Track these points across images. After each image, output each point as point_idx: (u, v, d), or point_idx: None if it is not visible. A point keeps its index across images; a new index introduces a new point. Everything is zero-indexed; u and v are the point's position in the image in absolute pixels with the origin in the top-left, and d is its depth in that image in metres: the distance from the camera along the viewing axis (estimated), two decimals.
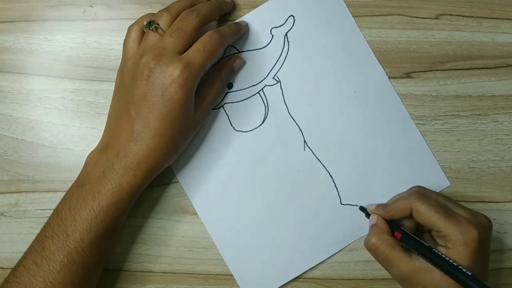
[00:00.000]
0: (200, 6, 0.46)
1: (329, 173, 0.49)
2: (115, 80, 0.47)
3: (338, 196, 0.49)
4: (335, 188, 0.49)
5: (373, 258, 0.49)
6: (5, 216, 0.50)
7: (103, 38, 0.51)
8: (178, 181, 0.50)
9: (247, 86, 0.50)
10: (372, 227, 0.44)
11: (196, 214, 0.50)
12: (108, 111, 0.47)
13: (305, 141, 0.50)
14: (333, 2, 0.50)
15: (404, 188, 0.47)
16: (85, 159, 0.45)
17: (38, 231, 0.44)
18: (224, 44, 0.46)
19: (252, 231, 0.49)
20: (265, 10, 0.50)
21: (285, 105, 0.50)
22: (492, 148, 0.50)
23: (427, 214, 0.41)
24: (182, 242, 0.50)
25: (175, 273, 0.50)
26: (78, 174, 0.45)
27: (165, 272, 0.50)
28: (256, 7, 0.50)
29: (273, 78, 0.50)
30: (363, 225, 0.49)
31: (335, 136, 0.50)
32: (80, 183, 0.44)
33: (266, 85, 0.50)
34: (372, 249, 0.43)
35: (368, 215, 0.46)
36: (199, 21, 0.45)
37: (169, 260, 0.50)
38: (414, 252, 0.42)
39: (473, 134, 0.50)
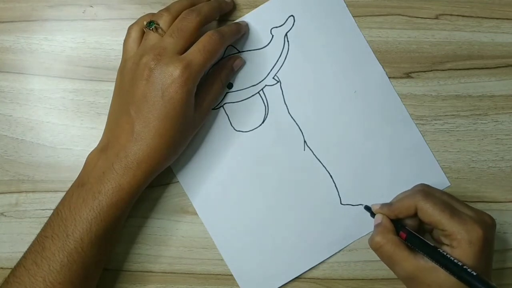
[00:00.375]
0: (200, 6, 0.46)
1: (329, 173, 0.49)
2: (115, 80, 0.47)
3: (338, 196, 0.49)
4: (335, 188, 0.49)
5: (373, 258, 0.49)
6: (5, 216, 0.50)
7: (103, 38, 0.51)
8: (178, 181, 0.50)
9: (247, 86, 0.50)
10: (377, 226, 0.44)
11: (196, 214, 0.50)
12: (108, 111, 0.47)
13: (305, 141, 0.50)
14: (333, 2, 0.50)
15: (404, 188, 0.47)
16: (85, 159, 0.45)
17: (38, 231, 0.44)
18: (224, 44, 0.46)
19: (252, 231, 0.49)
20: (265, 10, 0.50)
21: (285, 105, 0.50)
22: (492, 148, 0.50)
23: (432, 213, 0.41)
24: (182, 242, 0.50)
25: (175, 273, 0.50)
26: (78, 174, 0.45)
27: (165, 272, 0.50)
28: (256, 7, 0.50)
29: (273, 78, 0.50)
30: (363, 225, 0.49)
31: (335, 136, 0.50)
32: (80, 183, 0.44)
33: (266, 85, 0.50)
34: (376, 248, 0.43)
35: (373, 214, 0.46)
36: (199, 21, 0.45)
37: (169, 260, 0.50)
38: (419, 252, 0.42)
39: (473, 134, 0.50)
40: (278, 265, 0.49)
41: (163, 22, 0.45)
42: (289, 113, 0.50)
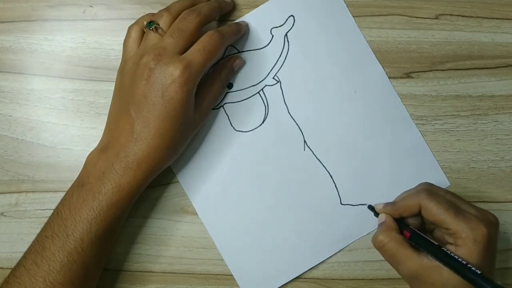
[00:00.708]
0: (200, 6, 0.46)
1: (329, 173, 0.49)
2: (115, 80, 0.47)
3: (338, 196, 0.49)
4: (335, 188, 0.49)
5: (373, 258, 0.49)
6: (5, 216, 0.50)
7: (103, 38, 0.51)
8: (178, 181, 0.50)
9: (247, 86, 0.50)
10: (380, 225, 0.44)
11: (196, 214, 0.50)
12: (108, 111, 0.47)
13: (305, 141, 0.50)
14: (333, 2, 0.50)
15: (404, 187, 0.47)
16: (85, 159, 0.45)
17: (38, 231, 0.44)
18: (225, 44, 0.46)
19: (252, 231, 0.49)
20: (265, 10, 0.50)
21: (285, 105, 0.50)
22: (492, 148, 0.50)
23: (436, 212, 0.41)
24: (182, 242, 0.50)
25: (175, 273, 0.50)
26: (78, 174, 0.45)
27: (165, 272, 0.50)
28: (256, 7, 0.50)
29: (273, 78, 0.50)
30: (363, 225, 0.49)
31: (335, 136, 0.50)
32: (80, 183, 0.44)
33: (266, 85, 0.50)
34: (379, 246, 0.43)
35: (376, 214, 0.46)
36: (199, 21, 0.45)
37: (169, 260, 0.50)
38: (423, 251, 0.42)
39: (473, 134, 0.50)
40: (278, 265, 0.49)
41: (163, 22, 0.45)
42: (289, 113, 0.50)
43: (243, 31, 0.49)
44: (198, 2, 0.47)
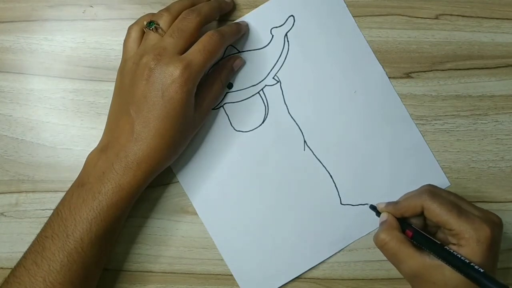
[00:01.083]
0: (200, 6, 0.46)
1: (329, 173, 0.49)
2: (115, 80, 0.47)
3: (338, 196, 0.49)
4: (335, 188, 0.49)
5: (373, 258, 0.49)
6: (5, 216, 0.50)
7: (103, 38, 0.51)
8: (178, 181, 0.50)
9: (247, 86, 0.50)
10: (382, 223, 0.44)
11: (196, 214, 0.50)
12: (108, 111, 0.47)
13: (305, 141, 0.50)
14: (333, 2, 0.50)
15: (404, 188, 0.47)
16: (85, 159, 0.45)
17: (38, 231, 0.44)
18: (225, 44, 0.46)
19: (252, 231, 0.49)
20: (265, 10, 0.50)
21: (285, 105, 0.50)
22: (492, 148, 0.50)
23: (439, 213, 0.41)
24: (182, 242, 0.50)
25: (175, 273, 0.50)
26: (78, 174, 0.45)
27: (165, 272, 0.50)
28: (256, 7, 0.50)
29: (273, 78, 0.50)
30: (363, 225, 0.49)
31: (335, 136, 0.50)
32: (80, 183, 0.44)
33: (266, 85, 0.50)
34: (381, 245, 0.43)
35: (378, 213, 0.45)
36: (199, 21, 0.45)
37: (169, 260, 0.50)
38: (425, 250, 0.41)
39: (473, 134, 0.50)
40: (278, 265, 0.49)
41: (163, 22, 0.45)
42: (289, 113, 0.50)
43: (243, 31, 0.49)
44: (198, 2, 0.47)
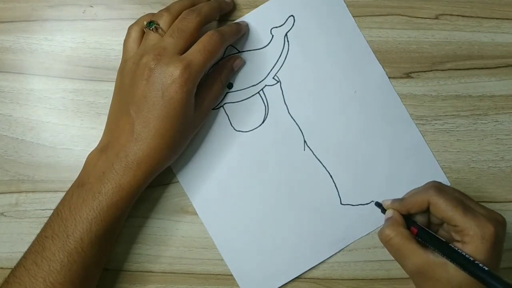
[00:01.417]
0: (200, 6, 0.46)
1: (329, 173, 0.49)
2: (115, 80, 0.47)
3: (338, 196, 0.49)
4: (335, 188, 0.49)
5: (373, 258, 0.49)
6: (5, 216, 0.50)
7: (103, 38, 0.51)
8: (178, 181, 0.50)
9: (247, 86, 0.50)
10: (387, 220, 0.44)
11: (196, 214, 0.50)
12: (108, 111, 0.47)
13: (305, 141, 0.50)
14: (333, 2, 0.50)
15: (404, 188, 0.47)
16: (85, 159, 0.45)
17: (38, 231, 0.44)
18: (225, 44, 0.46)
19: (252, 231, 0.49)
20: (265, 10, 0.50)
21: (285, 105, 0.50)
22: (492, 148, 0.50)
23: (445, 208, 0.41)
24: (182, 242, 0.50)
25: (175, 273, 0.50)
26: (78, 174, 0.45)
27: (165, 272, 0.50)
28: (256, 7, 0.50)
29: (273, 78, 0.50)
30: (363, 225, 0.49)
31: (335, 136, 0.50)
32: (80, 183, 0.44)
33: (266, 85, 0.50)
34: (386, 240, 0.43)
35: (383, 210, 0.45)
36: (199, 21, 0.44)
37: (169, 260, 0.50)
38: (429, 247, 0.41)
39: (473, 134, 0.50)
40: (278, 265, 0.49)
41: (163, 22, 0.45)
42: (289, 113, 0.50)
43: (243, 31, 0.49)
44: (198, 2, 0.47)
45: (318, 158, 0.50)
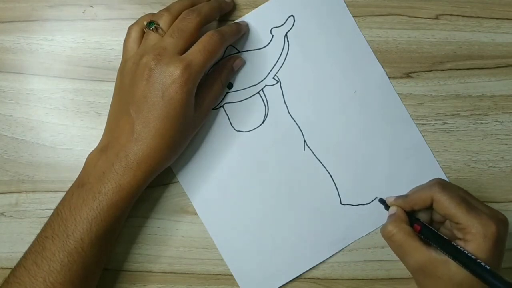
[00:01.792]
0: (200, 6, 0.46)
1: (329, 173, 0.50)
2: (115, 80, 0.47)
3: (338, 196, 0.49)
4: (335, 188, 0.49)
5: (373, 258, 0.49)
6: (5, 216, 0.50)
7: (103, 38, 0.51)
8: (178, 181, 0.50)
9: (247, 86, 0.50)
10: (390, 216, 0.44)
11: (196, 214, 0.50)
12: (108, 111, 0.47)
13: (305, 141, 0.50)
14: (333, 2, 0.50)
15: (404, 188, 0.47)
16: (85, 159, 0.45)
17: (38, 231, 0.44)
18: (225, 44, 0.46)
19: (252, 231, 0.49)
20: (265, 10, 0.50)
21: (285, 105, 0.50)
22: (492, 148, 0.50)
23: (448, 205, 0.41)
24: (182, 242, 0.50)
25: (175, 273, 0.50)
26: (78, 174, 0.45)
27: (165, 272, 0.50)
28: (256, 7, 0.50)
29: (273, 78, 0.50)
30: (363, 225, 0.49)
31: (335, 136, 0.50)
32: (80, 183, 0.44)
33: (266, 85, 0.50)
34: (388, 236, 0.43)
35: (387, 207, 0.45)
36: (199, 21, 0.45)
37: (169, 260, 0.50)
38: (432, 244, 0.41)
39: (473, 134, 0.50)
40: (278, 265, 0.49)
41: (163, 22, 0.45)
42: (289, 113, 0.50)
43: (243, 31, 0.49)
44: (198, 2, 0.47)
45: (318, 158, 0.50)
